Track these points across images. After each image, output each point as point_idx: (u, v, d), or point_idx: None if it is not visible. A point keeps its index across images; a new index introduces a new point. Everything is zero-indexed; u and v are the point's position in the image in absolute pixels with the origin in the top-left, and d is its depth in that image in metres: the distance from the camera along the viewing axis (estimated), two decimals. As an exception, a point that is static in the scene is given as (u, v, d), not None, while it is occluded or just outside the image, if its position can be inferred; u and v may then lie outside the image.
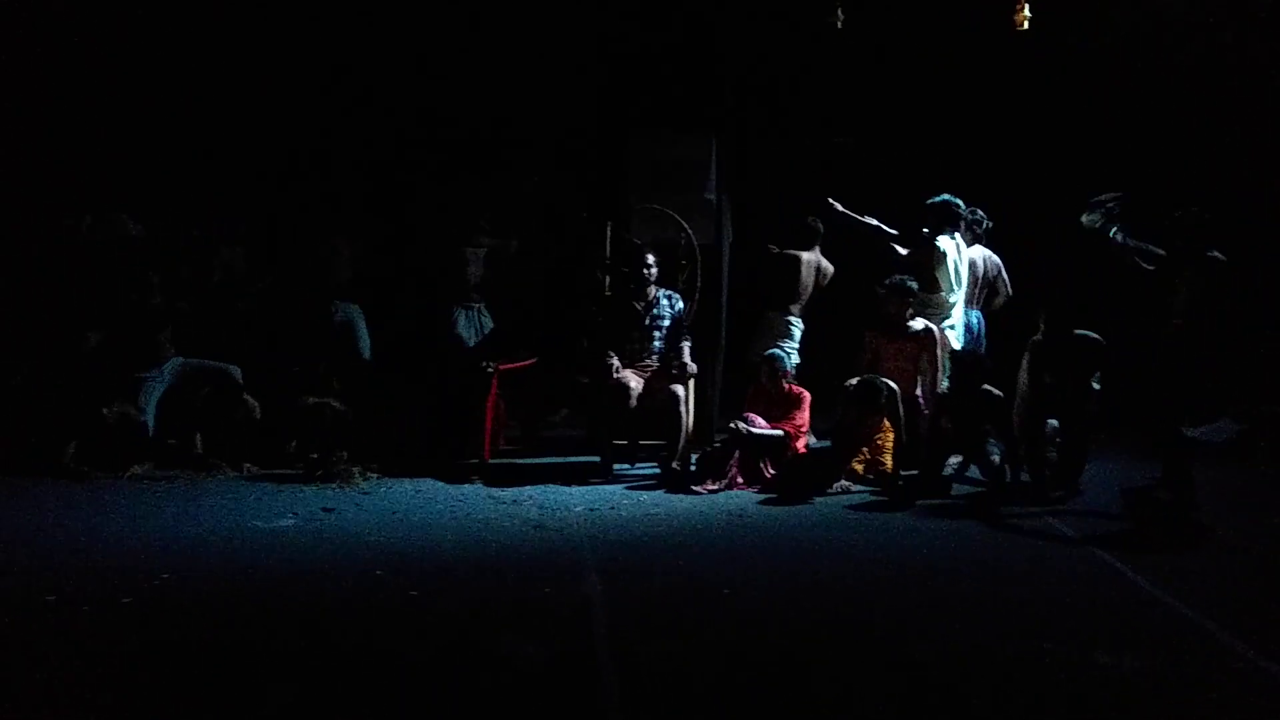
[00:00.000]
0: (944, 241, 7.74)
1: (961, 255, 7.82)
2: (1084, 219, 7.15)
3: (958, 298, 7.82)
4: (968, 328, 7.88)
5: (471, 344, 8.17)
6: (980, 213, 7.96)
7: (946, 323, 7.76)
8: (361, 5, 8.80)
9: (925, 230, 7.79)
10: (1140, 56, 8.87)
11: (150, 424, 7.35)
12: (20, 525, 5.99)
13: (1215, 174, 8.36)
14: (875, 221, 7.93)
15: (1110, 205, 7.05)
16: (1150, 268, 6.77)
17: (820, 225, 8.17)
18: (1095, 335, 6.96)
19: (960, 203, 7.79)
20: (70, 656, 4.18)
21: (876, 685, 4.04)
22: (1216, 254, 6.60)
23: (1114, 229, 6.98)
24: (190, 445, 7.54)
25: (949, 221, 7.77)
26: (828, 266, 8.26)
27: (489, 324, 8.26)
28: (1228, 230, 6.77)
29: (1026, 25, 7.92)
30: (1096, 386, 7.02)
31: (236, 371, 7.53)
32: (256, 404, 7.55)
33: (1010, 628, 4.57)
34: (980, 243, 7.99)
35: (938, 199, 7.78)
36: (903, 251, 7.82)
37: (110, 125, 8.44)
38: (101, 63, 8.48)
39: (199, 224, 8.08)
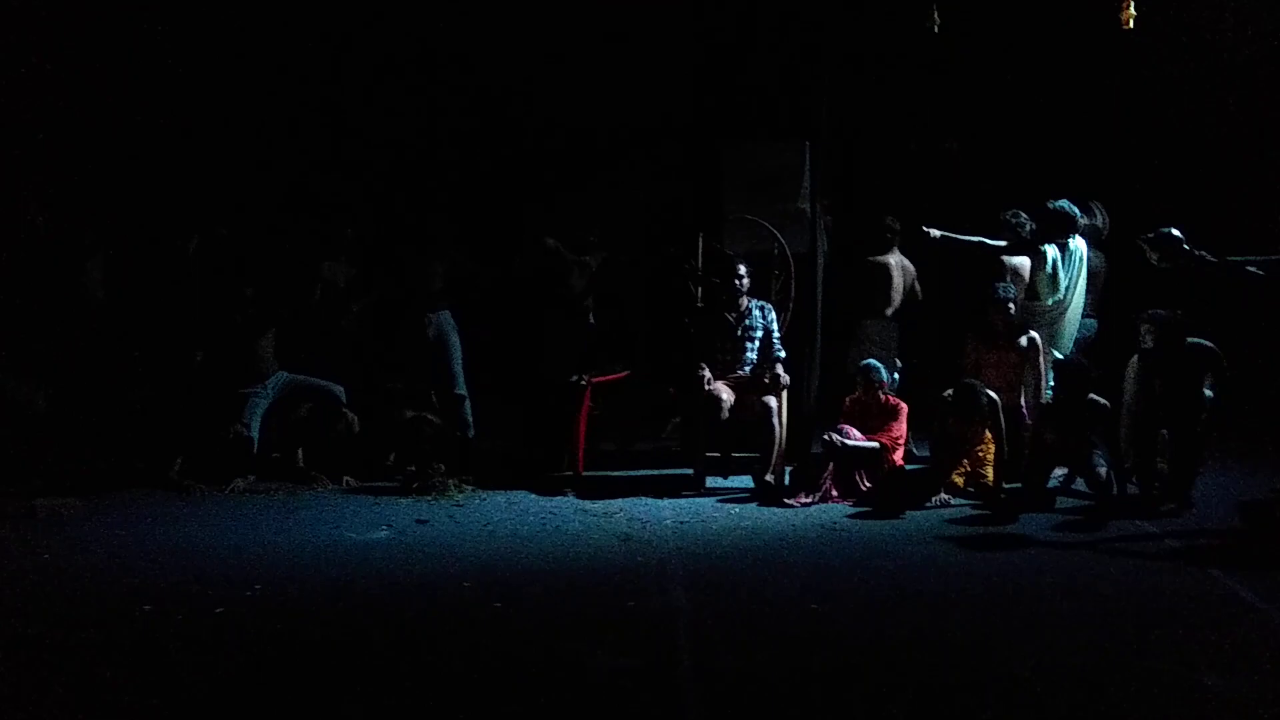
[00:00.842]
0: (1049, 247, 7.53)
1: (1071, 261, 7.57)
2: (1152, 258, 6.74)
3: (1059, 304, 7.58)
4: (1076, 341, 7.64)
5: (570, 356, 8.17)
6: (1023, 215, 7.69)
7: (1054, 329, 7.54)
8: (461, 20, 8.89)
9: (1030, 236, 7.58)
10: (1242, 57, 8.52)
11: (255, 439, 7.51)
12: (124, 538, 6.16)
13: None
14: (975, 237, 7.75)
15: (1174, 241, 6.63)
16: (1260, 273, 6.41)
17: (898, 225, 8.02)
18: (1209, 343, 6.67)
19: (1075, 210, 7.56)
20: (162, 666, 4.27)
21: (966, 702, 3.90)
22: None
23: (1200, 253, 6.57)
24: (292, 459, 7.68)
25: (1059, 227, 7.55)
26: (911, 266, 8.12)
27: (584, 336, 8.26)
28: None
29: (1132, 24, 7.63)
30: (1210, 394, 6.73)
31: (340, 390, 7.66)
32: (356, 418, 7.66)
33: (1112, 646, 4.39)
34: (1024, 248, 7.70)
35: (1053, 204, 7.57)
36: (1010, 260, 7.63)
37: (210, 142, 8.67)
38: (197, 80, 8.68)
39: (295, 239, 8.24)
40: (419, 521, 6.50)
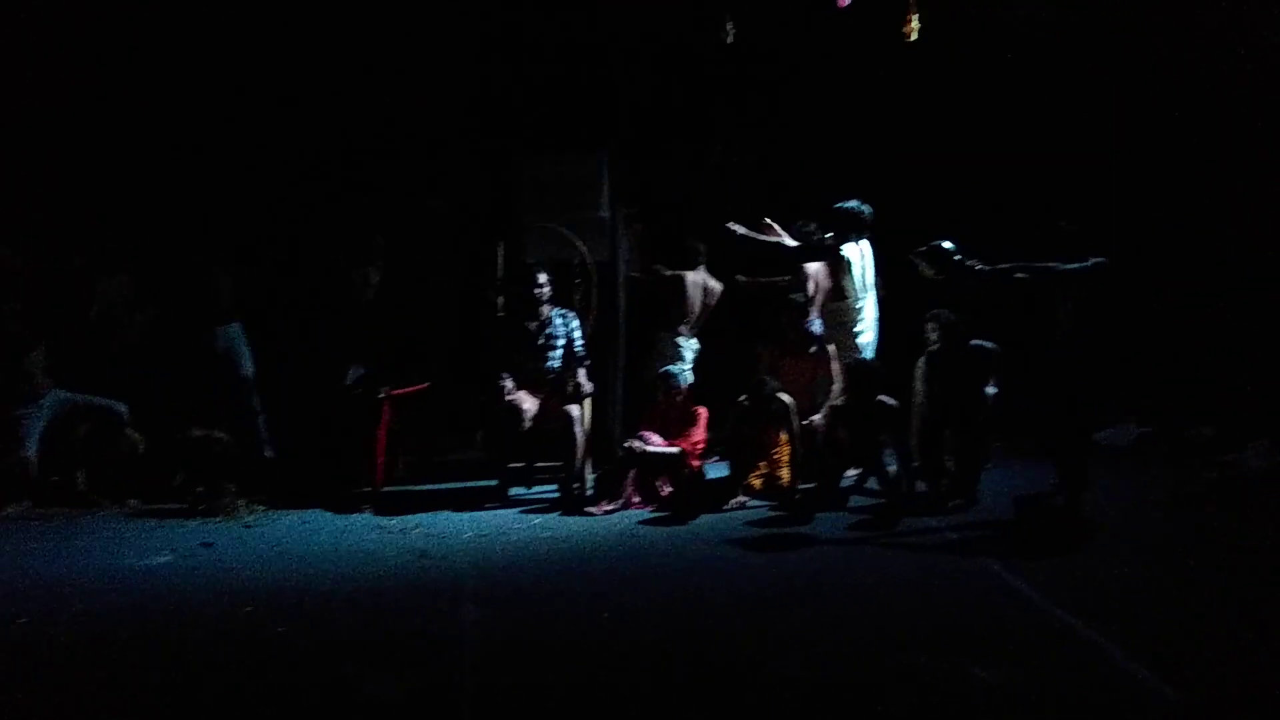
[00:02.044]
0: (849, 248, 7.69)
1: (867, 260, 7.76)
2: (926, 271, 6.92)
3: (864, 303, 7.76)
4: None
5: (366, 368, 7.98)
6: (812, 225, 7.85)
7: (857, 329, 7.70)
8: (251, 25, 8.58)
9: (828, 238, 7.72)
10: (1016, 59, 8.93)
11: (34, 462, 7.10)
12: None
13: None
14: (776, 237, 7.84)
15: (945, 254, 6.84)
16: (1024, 276, 6.65)
17: (702, 246, 8.09)
18: (989, 344, 6.95)
19: (866, 208, 7.73)
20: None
21: (738, 705, 3.95)
22: (1099, 259, 6.57)
23: (971, 263, 6.79)
24: (72, 482, 7.30)
25: (853, 227, 7.72)
26: (715, 285, 8.16)
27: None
28: (1107, 238, 6.73)
29: (915, 36, 7.88)
30: (992, 392, 7.01)
31: (121, 407, 7.31)
32: (141, 438, 7.34)
33: (891, 642, 4.49)
34: (821, 253, 7.86)
35: (842, 205, 7.70)
36: (809, 266, 7.75)
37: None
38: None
39: (78, 253, 7.84)
40: (204, 545, 6.25)
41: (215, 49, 8.51)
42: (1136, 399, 8.45)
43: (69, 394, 7.32)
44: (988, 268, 6.49)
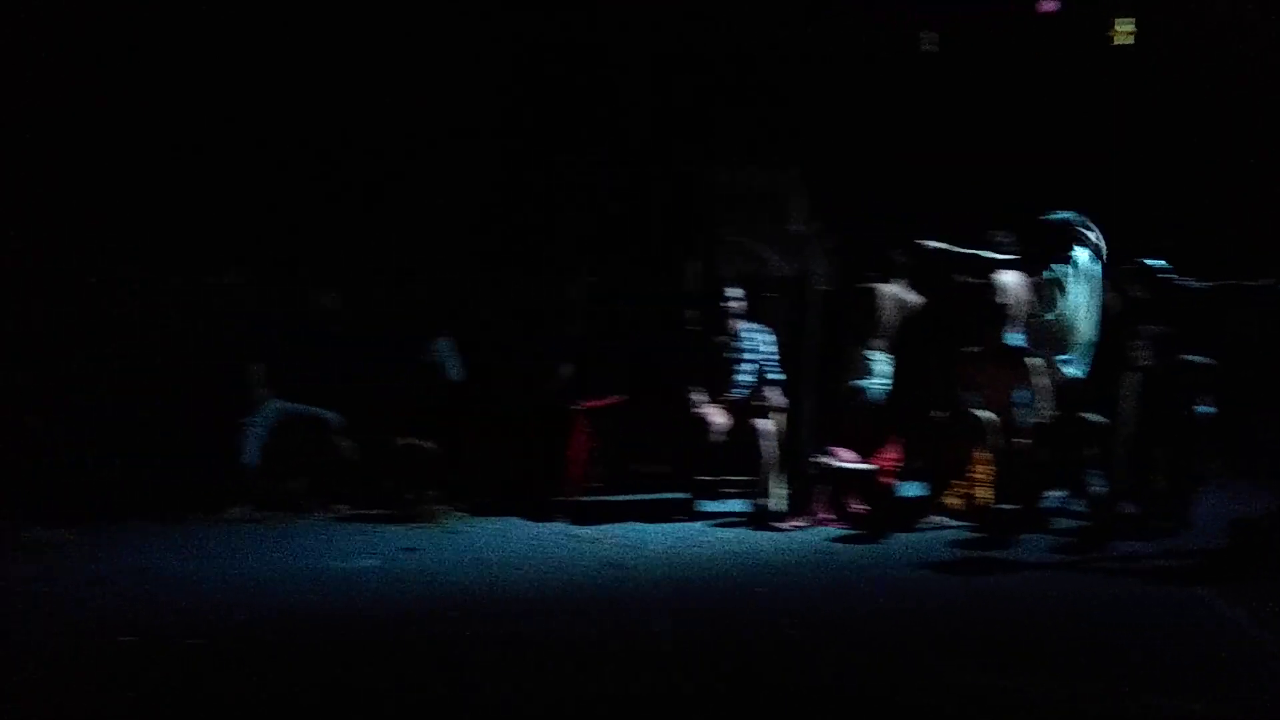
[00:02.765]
0: (1057, 262, 7.40)
1: (1080, 274, 7.45)
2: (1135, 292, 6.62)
3: (1072, 318, 7.45)
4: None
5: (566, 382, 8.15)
6: (1007, 235, 7.55)
7: (1064, 344, 7.41)
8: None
9: (1038, 251, 7.44)
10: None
11: (251, 466, 7.55)
12: (110, 568, 6.14)
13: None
14: (974, 250, 7.62)
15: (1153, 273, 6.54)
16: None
17: (901, 258, 7.91)
18: (1202, 359, 6.60)
19: (1080, 220, 7.41)
20: (135, 699, 4.25)
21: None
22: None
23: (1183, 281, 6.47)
24: (287, 487, 7.70)
25: (1064, 240, 7.40)
26: (913, 298, 7.97)
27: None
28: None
29: (1127, 40, 7.59)
30: (1206, 411, 6.64)
31: (333, 416, 7.69)
32: (352, 445, 7.69)
33: (1100, 675, 4.27)
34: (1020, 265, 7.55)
35: (1053, 217, 7.40)
36: (1002, 277, 7.52)
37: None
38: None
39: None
40: (407, 550, 6.50)
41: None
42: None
43: (286, 403, 7.75)
44: (1201, 284, 6.20)
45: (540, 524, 7.10)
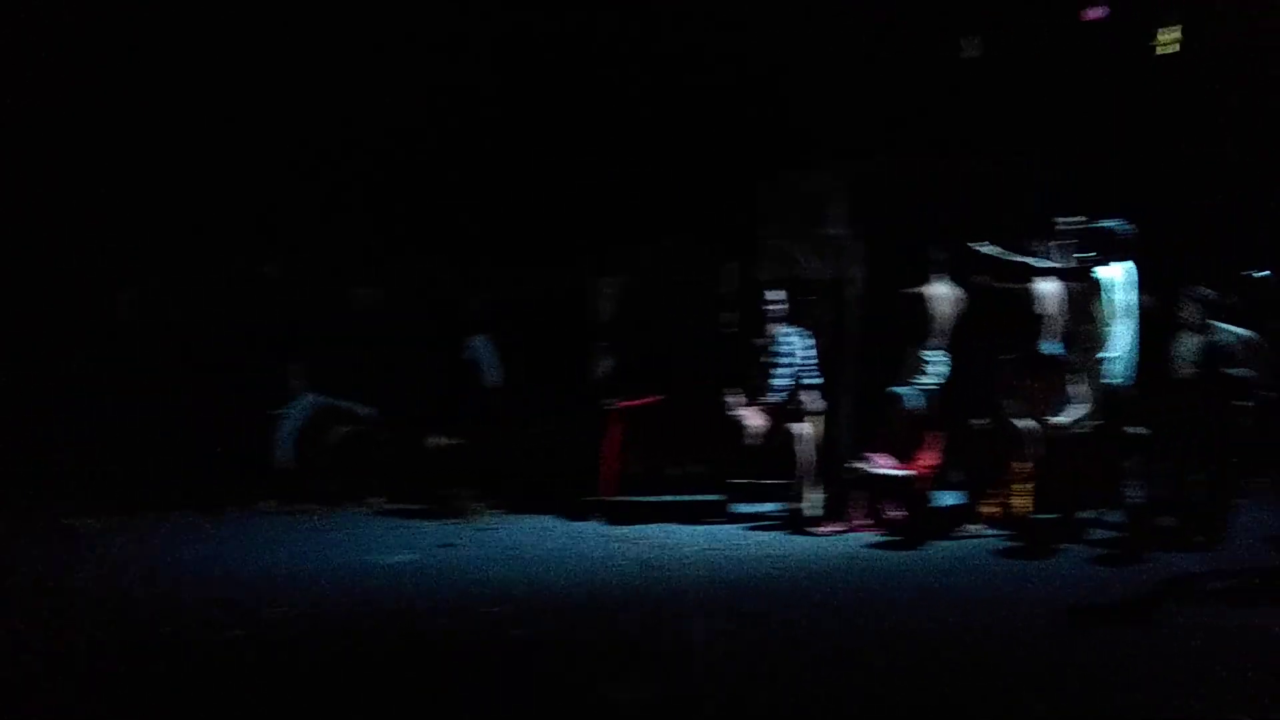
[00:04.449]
0: (1101, 271, 7.34)
1: (1125, 283, 7.38)
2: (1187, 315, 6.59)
3: (1117, 327, 7.38)
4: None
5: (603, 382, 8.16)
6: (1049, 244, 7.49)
7: (1106, 353, 7.34)
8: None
9: (1082, 259, 7.38)
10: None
11: (286, 459, 7.59)
12: (148, 559, 6.21)
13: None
14: (1022, 257, 7.57)
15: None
16: None
17: (942, 255, 7.88)
18: (1245, 372, 6.54)
19: (1127, 228, 7.34)
20: (174, 689, 4.30)
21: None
22: None
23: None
24: (322, 481, 7.74)
25: (1111, 248, 7.34)
26: (958, 294, 7.93)
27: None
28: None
29: (1172, 49, 7.52)
30: (1249, 424, 6.59)
31: (370, 411, 7.72)
32: (388, 441, 7.72)
33: (1143, 691, 4.24)
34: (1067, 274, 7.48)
35: (1100, 224, 7.33)
36: (1042, 285, 7.45)
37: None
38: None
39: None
40: (443, 545, 6.54)
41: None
42: None
43: (322, 397, 7.80)
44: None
45: (575, 522, 7.12)
